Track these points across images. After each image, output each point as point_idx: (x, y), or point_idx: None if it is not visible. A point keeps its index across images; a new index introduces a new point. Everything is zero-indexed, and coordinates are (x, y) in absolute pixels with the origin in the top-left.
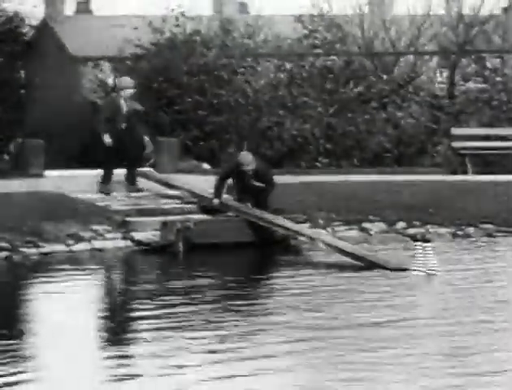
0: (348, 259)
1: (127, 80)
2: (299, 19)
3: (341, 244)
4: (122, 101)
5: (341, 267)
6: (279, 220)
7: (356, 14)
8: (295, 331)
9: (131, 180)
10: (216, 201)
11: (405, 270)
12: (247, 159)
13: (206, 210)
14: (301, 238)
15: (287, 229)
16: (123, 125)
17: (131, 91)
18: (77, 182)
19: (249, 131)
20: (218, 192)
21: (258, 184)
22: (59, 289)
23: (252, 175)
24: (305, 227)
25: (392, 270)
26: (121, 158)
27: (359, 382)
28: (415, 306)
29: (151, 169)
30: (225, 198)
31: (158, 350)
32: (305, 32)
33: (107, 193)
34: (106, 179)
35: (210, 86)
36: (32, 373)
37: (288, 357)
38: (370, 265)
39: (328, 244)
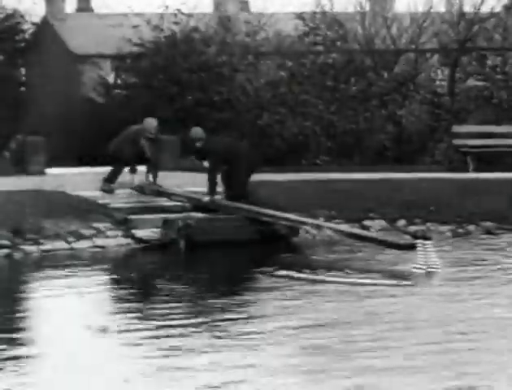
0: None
1: (153, 124)
2: (300, 16)
3: (349, 228)
4: (143, 140)
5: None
6: (282, 214)
7: (357, 11)
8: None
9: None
10: (206, 198)
11: (413, 247)
12: (197, 133)
13: (200, 209)
14: (307, 227)
15: (291, 221)
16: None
17: (152, 136)
18: (78, 179)
19: (250, 128)
20: (211, 187)
21: (205, 162)
22: (60, 286)
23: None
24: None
25: (401, 248)
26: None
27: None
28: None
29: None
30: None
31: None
32: (306, 29)
33: (110, 192)
34: (113, 178)
35: (211, 84)
36: (33, 374)
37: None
38: (380, 244)
39: (336, 230)
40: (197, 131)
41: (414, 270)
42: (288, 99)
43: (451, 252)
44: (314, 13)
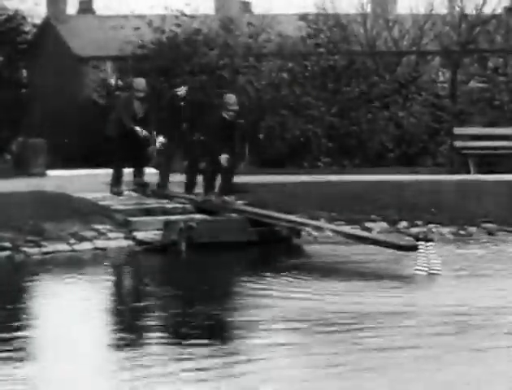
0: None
1: (142, 83)
2: (304, 17)
3: (349, 229)
4: (136, 102)
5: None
6: (283, 215)
7: (359, 13)
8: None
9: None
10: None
11: (414, 248)
12: (231, 99)
13: (202, 210)
14: (308, 229)
15: (293, 222)
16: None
17: (142, 94)
18: (79, 181)
19: (252, 131)
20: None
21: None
22: (61, 288)
23: (235, 115)
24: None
25: (402, 249)
26: (131, 157)
27: None
28: None
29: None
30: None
31: None
32: (310, 30)
33: (120, 194)
34: (118, 180)
35: (212, 86)
36: (35, 373)
37: None
38: (381, 246)
39: (337, 231)
40: (231, 97)
41: (416, 271)
42: (290, 101)
43: (452, 253)
44: (318, 14)
